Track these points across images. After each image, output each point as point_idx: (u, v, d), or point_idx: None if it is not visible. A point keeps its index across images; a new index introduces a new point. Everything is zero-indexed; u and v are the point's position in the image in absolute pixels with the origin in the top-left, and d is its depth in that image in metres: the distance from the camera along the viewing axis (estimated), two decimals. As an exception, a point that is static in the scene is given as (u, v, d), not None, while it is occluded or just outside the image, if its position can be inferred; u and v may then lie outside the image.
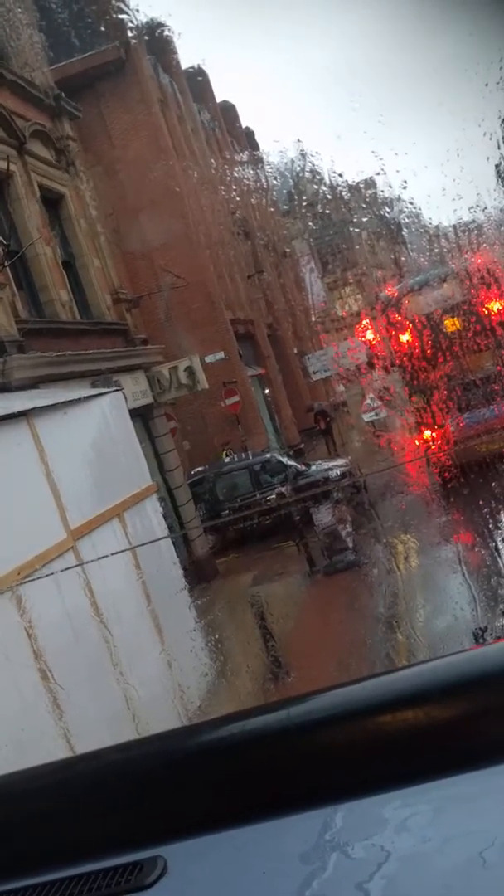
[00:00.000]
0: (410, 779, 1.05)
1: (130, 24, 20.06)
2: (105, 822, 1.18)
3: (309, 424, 28.70)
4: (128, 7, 19.38)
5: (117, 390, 10.40)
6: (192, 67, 28.19)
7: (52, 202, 13.85)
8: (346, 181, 35.97)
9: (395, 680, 1.22)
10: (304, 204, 35.81)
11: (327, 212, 35.96)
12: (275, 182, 34.86)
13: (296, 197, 36.72)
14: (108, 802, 1.19)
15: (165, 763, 1.21)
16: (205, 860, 1.08)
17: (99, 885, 1.08)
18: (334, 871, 0.99)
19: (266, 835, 1.08)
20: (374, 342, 23.18)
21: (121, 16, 19.53)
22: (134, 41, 20.66)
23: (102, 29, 19.82)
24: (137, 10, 20.65)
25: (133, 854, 1.10)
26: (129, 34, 20.19)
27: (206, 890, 1.05)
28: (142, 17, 22.75)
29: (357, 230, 42.19)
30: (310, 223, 37.21)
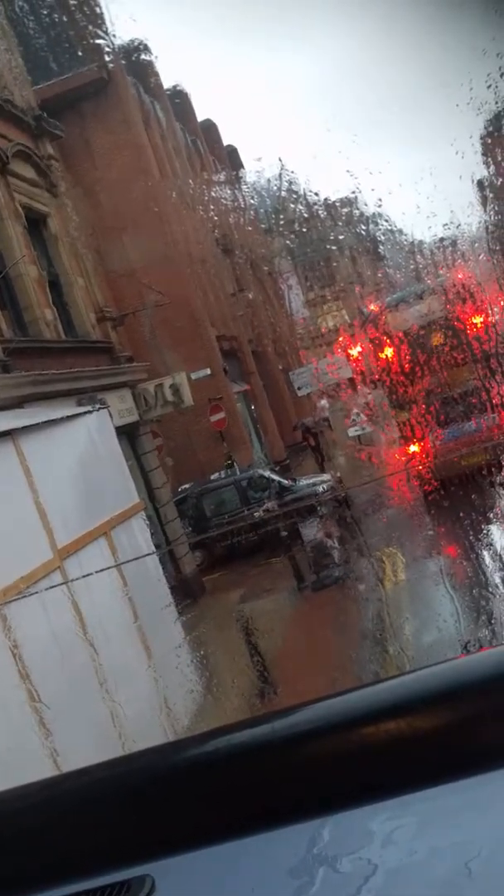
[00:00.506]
0: (396, 790, 1.05)
1: (107, 49, 20.24)
2: (92, 840, 1.17)
3: (295, 440, 28.75)
4: (105, 33, 19.56)
5: (103, 408, 10.42)
6: (172, 88, 28.46)
7: (35, 222, 13.89)
8: (324, 199, 36.37)
9: (379, 691, 1.22)
10: (283, 222, 36.13)
11: (304, 230, 36.30)
12: (252, 202, 35.16)
13: (273, 216, 37.05)
14: (94, 820, 1.18)
15: (152, 779, 1.20)
16: (193, 877, 1.08)
17: None
18: (322, 886, 0.98)
19: (254, 849, 1.07)
20: (356, 358, 23.37)
21: (98, 41, 19.70)
22: (112, 65, 20.84)
23: (80, 54, 19.98)
24: (115, 36, 20.85)
25: (120, 872, 1.10)
26: (107, 58, 20.36)
27: None
28: (121, 41, 22.95)
29: (335, 248, 42.59)
30: (287, 241, 37.52)
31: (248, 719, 1.34)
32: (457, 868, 0.93)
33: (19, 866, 1.18)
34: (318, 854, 1.03)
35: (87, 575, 7.22)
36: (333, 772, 1.11)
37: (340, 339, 28.51)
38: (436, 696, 1.12)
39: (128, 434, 14.11)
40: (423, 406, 13.24)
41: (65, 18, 20.34)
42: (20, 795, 1.30)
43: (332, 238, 40.00)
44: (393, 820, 1.03)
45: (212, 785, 1.15)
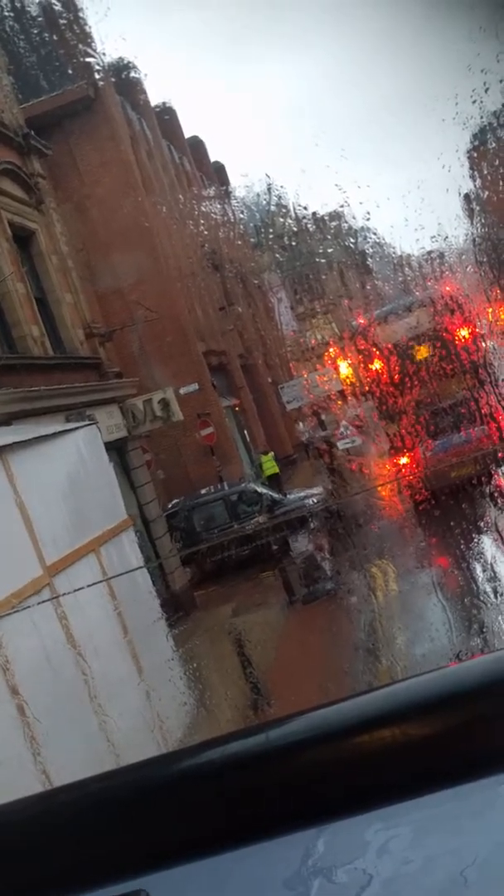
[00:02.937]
0: (390, 798, 1.05)
1: (97, 67, 20.44)
2: (85, 854, 1.15)
3: (285, 453, 28.75)
4: (94, 51, 19.77)
5: (91, 424, 10.41)
6: (160, 105, 28.67)
7: (23, 239, 13.94)
8: (313, 214, 36.62)
9: (372, 700, 1.21)
10: (272, 236, 36.31)
11: (294, 244, 36.50)
12: (242, 216, 35.35)
13: (263, 230, 37.25)
14: (88, 833, 1.17)
15: (145, 791, 1.19)
16: (187, 889, 1.07)
17: None
18: None
19: (248, 860, 1.07)
20: (345, 372, 23.45)
21: (87, 59, 19.90)
22: (101, 83, 21.02)
23: (70, 72, 20.17)
24: (104, 54, 21.04)
25: (114, 886, 1.08)
26: (97, 76, 20.56)
27: None
28: (110, 59, 23.20)
29: (324, 261, 42.84)
30: (276, 255, 37.72)
31: (241, 730, 1.33)
32: (452, 876, 0.93)
33: (11, 881, 1.17)
34: (313, 865, 1.02)
35: (78, 589, 7.18)
36: (328, 781, 1.11)
37: (331, 350, 28.55)
38: (428, 703, 1.12)
39: (117, 450, 14.10)
40: (413, 417, 13.30)
41: (55, 37, 20.54)
42: (12, 810, 1.29)
43: (320, 251, 40.23)
44: (388, 829, 1.03)
45: (206, 796, 1.14)
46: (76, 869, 1.15)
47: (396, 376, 13.50)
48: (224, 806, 1.13)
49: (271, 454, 24.77)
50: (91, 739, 6.49)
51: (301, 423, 30.06)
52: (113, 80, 22.60)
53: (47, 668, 6.68)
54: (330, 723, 1.16)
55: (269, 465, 23.62)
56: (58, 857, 1.17)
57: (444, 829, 1.01)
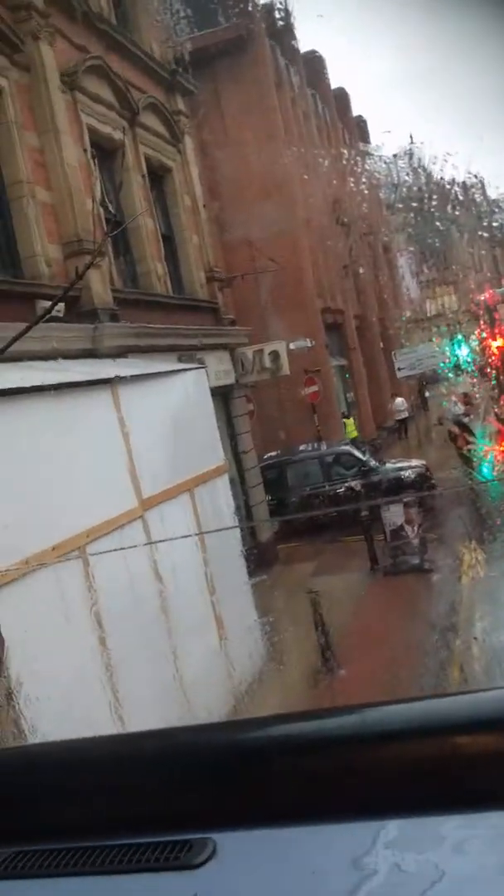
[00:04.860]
0: (477, 803, 1.03)
1: (255, 5, 20.08)
2: (164, 799, 1.19)
3: (385, 423, 28.26)
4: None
5: (201, 367, 10.51)
6: (310, 53, 27.98)
7: (157, 175, 14.03)
8: (452, 180, 35.25)
9: (479, 700, 1.19)
10: (407, 200, 35.22)
11: (429, 210, 35.32)
12: (379, 175, 34.39)
13: (398, 192, 36.18)
14: (170, 780, 1.20)
15: (235, 752, 1.22)
16: (255, 851, 1.09)
17: (148, 857, 1.10)
18: (385, 881, 0.97)
19: (320, 837, 1.07)
20: (465, 348, 22.67)
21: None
22: (257, 25, 20.67)
23: (244, 6, 19.85)
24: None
25: (185, 834, 1.12)
26: (252, 15, 20.21)
27: (253, 879, 1.05)
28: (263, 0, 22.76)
29: (457, 230, 41.32)
30: (408, 218, 36.59)
31: (337, 707, 1.31)
32: None
33: (93, 812, 1.21)
34: (384, 850, 1.01)
35: (175, 538, 7.32)
36: (419, 774, 1.09)
37: (461, 324, 27.61)
38: None
39: (222, 395, 14.20)
40: None
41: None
42: (96, 745, 1.33)
43: (455, 219, 38.81)
44: (466, 829, 1.01)
45: (291, 768, 1.15)
46: (154, 810, 1.19)
47: None
48: (308, 780, 1.14)
49: (353, 419, 24.80)
50: (163, 677, 6.68)
51: (397, 399, 28.33)
52: (275, 21, 22.20)
53: (131, 600, 6.88)
54: (430, 717, 1.15)
55: (350, 430, 23.59)
56: (139, 796, 1.21)
57: None
